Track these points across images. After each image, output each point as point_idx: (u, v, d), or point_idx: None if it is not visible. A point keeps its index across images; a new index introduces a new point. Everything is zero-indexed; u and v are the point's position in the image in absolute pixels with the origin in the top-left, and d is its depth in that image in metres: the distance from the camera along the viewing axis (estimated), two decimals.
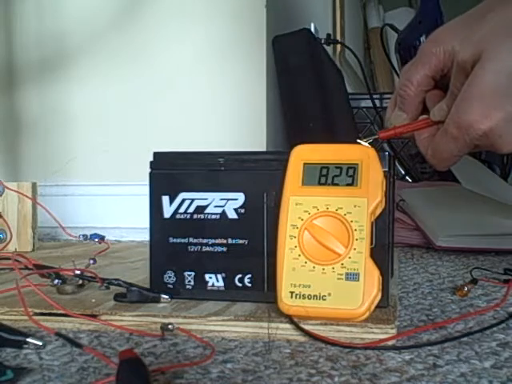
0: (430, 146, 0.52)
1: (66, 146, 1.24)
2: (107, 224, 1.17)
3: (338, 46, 1.95)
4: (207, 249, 0.55)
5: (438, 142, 0.50)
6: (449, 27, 0.52)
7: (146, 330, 0.49)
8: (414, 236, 1.09)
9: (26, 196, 0.94)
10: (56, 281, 0.58)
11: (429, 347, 0.45)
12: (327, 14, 1.98)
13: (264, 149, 1.13)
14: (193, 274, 0.55)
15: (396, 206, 1.12)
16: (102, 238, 0.87)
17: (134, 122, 1.21)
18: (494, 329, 0.50)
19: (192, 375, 0.39)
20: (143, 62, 1.20)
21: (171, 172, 0.56)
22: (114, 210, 1.19)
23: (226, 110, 1.16)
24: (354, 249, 0.48)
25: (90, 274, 0.60)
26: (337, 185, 0.50)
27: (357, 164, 0.50)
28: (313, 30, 1.48)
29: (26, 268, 0.65)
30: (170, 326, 0.47)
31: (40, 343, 0.45)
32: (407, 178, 1.58)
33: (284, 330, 0.47)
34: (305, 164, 0.51)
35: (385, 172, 0.50)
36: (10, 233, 0.93)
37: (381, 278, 0.48)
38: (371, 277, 0.47)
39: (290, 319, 0.48)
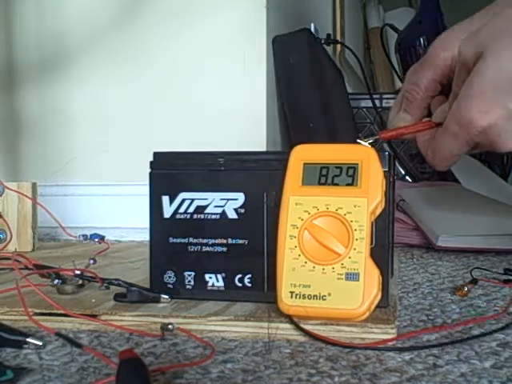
0: (430, 146, 0.52)
1: (66, 146, 1.24)
2: (107, 224, 1.17)
3: (338, 46, 1.95)
4: (207, 249, 0.55)
5: (438, 141, 0.51)
6: (455, 31, 0.52)
7: (146, 330, 0.49)
8: (413, 236, 1.09)
9: (26, 196, 0.94)
10: (56, 281, 0.58)
11: (429, 347, 0.45)
12: (327, 14, 1.98)
13: (264, 149, 1.13)
14: (193, 274, 0.55)
15: (396, 205, 1.12)
16: (102, 238, 0.87)
17: (133, 122, 1.21)
18: (494, 328, 0.50)
19: (192, 375, 0.39)
20: (143, 62, 1.20)
21: (171, 172, 0.56)
22: (113, 210, 1.19)
23: (226, 110, 1.16)
24: (354, 249, 0.48)
25: (90, 274, 0.60)
26: (337, 185, 0.50)
27: (357, 164, 0.50)
28: (313, 30, 1.48)
29: (26, 268, 0.65)
30: (170, 326, 0.47)
31: (40, 343, 0.45)
32: (407, 177, 1.58)
33: (284, 330, 0.47)
34: (305, 164, 0.51)
35: (385, 172, 0.50)
36: (10, 233, 0.93)
37: (381, 278, 0.48)
38: (371, 277, 0.47)
39: (290, 319, 0.48)
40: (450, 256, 0.96)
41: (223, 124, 1.16)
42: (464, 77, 0.48)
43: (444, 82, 0.52)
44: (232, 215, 0.54)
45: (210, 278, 0.54)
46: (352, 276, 0.47)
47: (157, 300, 0.53)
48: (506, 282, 0.69)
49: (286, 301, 0.48)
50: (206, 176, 0.55)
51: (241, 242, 0.54)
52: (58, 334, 0.47)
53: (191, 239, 0.55)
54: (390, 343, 0.45)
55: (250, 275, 0.54)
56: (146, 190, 0.56)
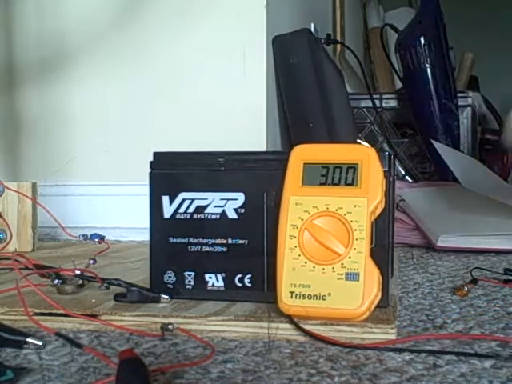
0: None
1: (66, 146, 1.24)
2: (107, 224, 1.17)
3: (338, 46, 1.95)
4: (207, 249, 0.55)
5: None
6: None
7: (146, 330, 0.49)
8: (413, 236, 1.09)
9: (26, 196, 0.94)
10: (56, 281, 0.58)
11: (429, 347, 0.45)
12: (327, 14, 1.98)
13: (264, 149, 1.13)
14: (193, 274, 0.55)
15: (396, 205, 1.12)
16: (102, 238, 0.87)
17: (134, 122, 1.21)
18: (494, 329, 0.51)
19: (192, 375, 0.39)
20: (143, 62, 1.20)
21: (171, 172, 0.56)
22: (114, 210, 1.19)
23: (226, 110, 1.16)
24: (354, 249, 0.48)
25: (90, 274, 0.60)
26: (337, 185, 0.50)
27: (357, 164, 0.50)
28: (313, 30, 1.48)
29: (26, 268, 0.65)
30: (170, 326, 0.47)
31: (40, 343, 0.45)
32: (407, 177, 1.58)
33: (284, 329, 0.47)
34: (305, 164, 0.51)
35: (385, 172, 0.50)
36: (10, 233, 0.93)
37: (381, 278, 0.48)
38: (371, 277, 0.47)
39: (290, 319, 0.48)
40: (449, 256, 0.96)
41: (223, 124, 1.16)
42: None
43: None
44: (232, 215, 0.54)
45: (210, 277, 0.54)
46: (352, 276, 0.47)
47: (157, 300, 0.53)
48: (506, 282, 0.69)
49: (286, 301, 0.48)
50: (206, 176, 0.55)
51: (241, 241, 0.54)
52: (58, 334, 0.47)
53: (191, 239, 0.55)
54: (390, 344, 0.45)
55: (249, 275, 0.54)
56: (146, 190, 0.56)
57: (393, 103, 1.61)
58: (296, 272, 0.48)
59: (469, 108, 1.59)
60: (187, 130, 1.17)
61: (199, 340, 0.46)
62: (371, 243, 0.49)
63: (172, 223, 0.55)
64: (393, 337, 0.46)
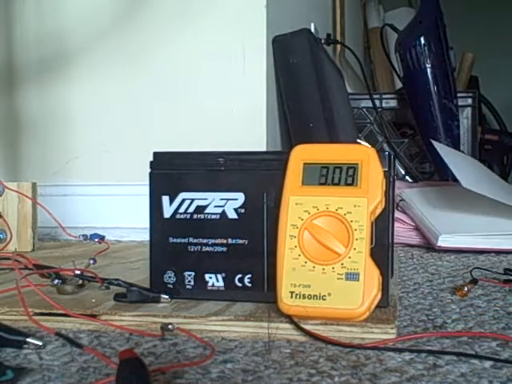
0: None
1: (65, 146, 1.24)
2: (107, 224, 1.17)
3: (338, 46, 1.95)
4: (207, 249, 0.55)
5: None
6: None
7: (146, 330, 0.49)
8: (413, 236, 1.09)
9: (26, 196, 0.94)
10: (56, 281, 0.58)
11: (429, 347, 0.45)
12: (327, 14, 1.98)
13: (264, 149, 1.13)
14: (193, 273, 0.55)
15: (396, 205, 1.12)
16: (102, 238, 0.87)
17: (134, 122, 1.21)
18: (494, 329, 0.51)
19: (192, 375, 0.39)
20: (143, 62, 1.20)
21: (171, 172, 0.56)
22: (114, 210, 1.19)
23: (226, 110, 1.16)
24: (354, 249, 0.48)
25: (90, 274, 0.60)
26: (337, 185, 0.50)
27: (357, 164, 0.50)
28: (313, 30, 1.48)
29: (26, 268, 0.65)
30: (170, 326, 0.47)
31: (40, 343, 0.45)
32: (407, 177, 1.58)
33: (284, 330, 0.47)
34: (305, 164, 0.51)
35: (385, 172, 0.50)
36: (10, 233, 0.93)
37: (381, 278, 0.48)
38: (371, 277, 0.47)
39: (290, 319, 0.48)
40: (450, 256, 0.96)
41: (223, 124, 1.16)
42: None
43: None
44: (232, 215, 0.54)
45: (210, 277, 0.54)
46: (352, 276, 0.47)
47: (157, 300, 0.53)
48: (506, 282, 0.69)
49: (286, 301, 0.48)
50: (206, 176, 0.55)
51: (241, 241, 0.54)
52: (58, 334, 0.47)
53: (191, 239, 0.55)
54: (390, 343, 0.45)
55: (249, 275, 0.54)
56: (146, 190, 0.56)
57: (393, 103, 1.61)
58: (296, 272, 0.48)
59: (469, 108, 1.59)
60: (187, 130, 1.17)
61: (199, 340, 0.46)
62: (371, 243, 0.49)
63: (172, 223, 0.55)
64: (393, 337, 0.46)
